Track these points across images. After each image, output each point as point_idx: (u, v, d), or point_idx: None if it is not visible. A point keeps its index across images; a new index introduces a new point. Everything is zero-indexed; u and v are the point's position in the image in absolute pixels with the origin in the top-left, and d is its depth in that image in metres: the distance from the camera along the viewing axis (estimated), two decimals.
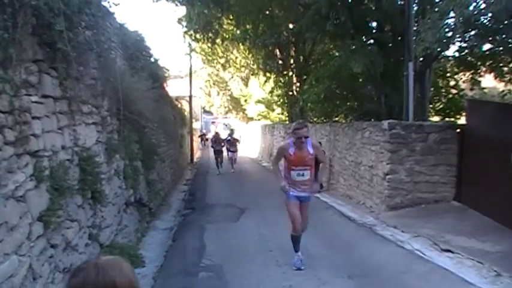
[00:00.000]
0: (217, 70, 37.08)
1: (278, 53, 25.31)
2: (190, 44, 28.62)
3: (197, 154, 35.82)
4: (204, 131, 51.86)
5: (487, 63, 16.02)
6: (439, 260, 7.32)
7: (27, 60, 4.45)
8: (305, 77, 23.90)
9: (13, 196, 3.95)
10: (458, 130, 11.08)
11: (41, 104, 4.76)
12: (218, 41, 26.41)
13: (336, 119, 21.48)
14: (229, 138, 24.53)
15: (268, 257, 7.89)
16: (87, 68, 6.46)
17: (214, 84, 41.14)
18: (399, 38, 14.75)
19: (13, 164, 3.99)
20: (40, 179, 4.50)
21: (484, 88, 19.26)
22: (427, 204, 10.81)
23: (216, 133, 25.94)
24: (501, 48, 13.45)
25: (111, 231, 7.34)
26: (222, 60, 33.20)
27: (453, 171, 10.89)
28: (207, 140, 44.51)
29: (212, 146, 24.53)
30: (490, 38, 12.10)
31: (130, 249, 7.66)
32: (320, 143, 15.66)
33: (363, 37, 16.09)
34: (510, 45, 12.33)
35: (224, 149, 24.10)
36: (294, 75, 25.15)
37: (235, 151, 24.21)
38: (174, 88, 24.84)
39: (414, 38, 12.61)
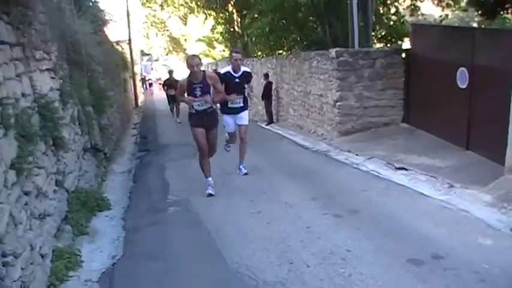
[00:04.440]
0: (154, 11, 36.03)
1: None
2: None
3: (140, 98, 35.31)
4: (144, 74, 50.93)
5: None
6: (395, 178, 7.77)
7: None
8: (246, 12, 23.73)
9: None
10: (403, 55, 11.42)
11: None
12: None
13: (281, 52, 21.56)
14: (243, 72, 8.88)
15: (233, 186, 8.14)
16: (35, 12, 6.25)
17: (152, 25, 39.96)
18: None
19: None
20: (8, 126, 4.45)
21: (423, 14, 19.76)
22: (377, 128, 11.29)
23: (170, 72, 20.22)
24: None
25: (74, 177, 7.32)
26: (159, 1, 32.25)
27: (400, 94, 11.33)
28: (150, 85, 44.00)
29: (166, 91, 19.56)
30: None
31: (95, 193, 7.71)
32: (267, 74, 15.84)
33: None
34: None
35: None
36: (234, 11, 24.84)
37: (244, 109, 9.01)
38: (111, 32, 24.07)
39: None
